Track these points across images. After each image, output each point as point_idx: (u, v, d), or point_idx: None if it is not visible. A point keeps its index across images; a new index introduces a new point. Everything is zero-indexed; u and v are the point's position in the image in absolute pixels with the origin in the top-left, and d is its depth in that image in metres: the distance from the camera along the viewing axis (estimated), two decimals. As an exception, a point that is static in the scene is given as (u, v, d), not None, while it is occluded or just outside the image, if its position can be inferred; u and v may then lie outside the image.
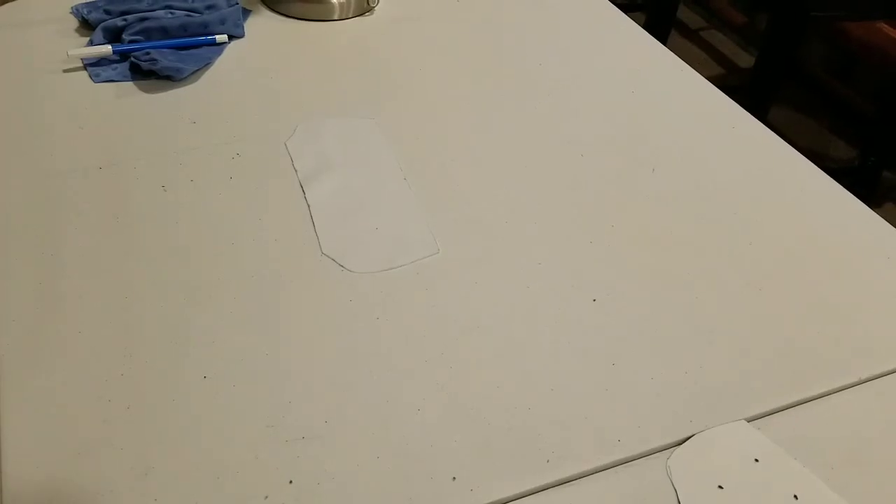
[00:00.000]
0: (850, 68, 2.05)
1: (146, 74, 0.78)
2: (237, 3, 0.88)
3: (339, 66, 0.82)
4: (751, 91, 1.71)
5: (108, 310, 0.55)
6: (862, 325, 0.57)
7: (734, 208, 0.67)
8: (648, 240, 0.63)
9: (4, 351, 0.52)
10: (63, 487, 0.44)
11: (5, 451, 0.46)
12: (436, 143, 0.72)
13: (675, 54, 0.88)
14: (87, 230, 0.61)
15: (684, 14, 2.45)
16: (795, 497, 0.46)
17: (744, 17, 2.30)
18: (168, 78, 0.78)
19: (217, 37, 0.83)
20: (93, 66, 0.79)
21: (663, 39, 0.98)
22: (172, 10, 0.85)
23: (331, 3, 0.90)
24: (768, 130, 0.77)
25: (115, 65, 0.80)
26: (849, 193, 0.70)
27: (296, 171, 0.68)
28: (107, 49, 0.79)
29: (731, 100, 0.81)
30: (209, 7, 0.86)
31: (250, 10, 0.91)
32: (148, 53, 0.78)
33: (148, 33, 0.82)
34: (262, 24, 0.89)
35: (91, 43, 0.81)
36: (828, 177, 0.71)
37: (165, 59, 0.78)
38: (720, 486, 0.47)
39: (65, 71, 0.79)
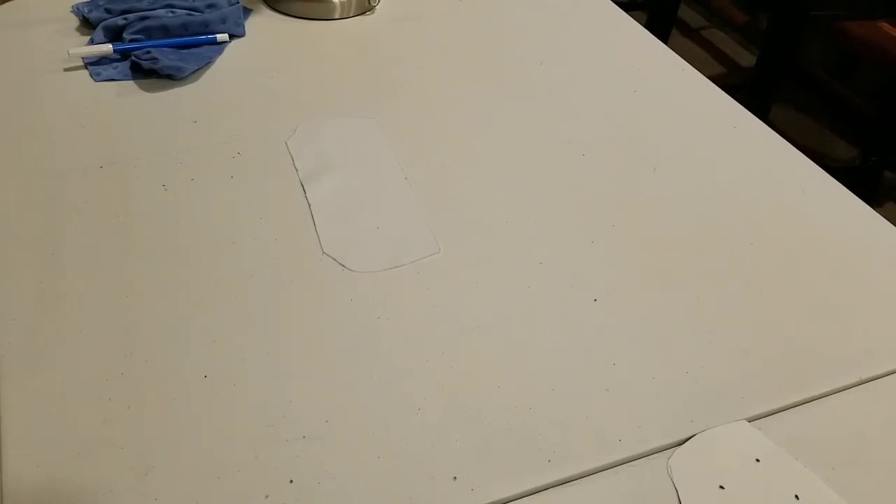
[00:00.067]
0: (851, 67, 2.04)
1: (147, 73, 0.78)
2: (238, 2, 0.87)
3: (340, 66, 0.82)
4: (752, 90, 1.71)
5: (108, 310, 0.55)
6: (863, 325, 0.57)
7: (735, 208, 0.67)
8: (649, 239, 0.63)
9: (4, 351, 0.52)
10: (63, 487, 0.44)
11: (5, 451, 0.46)
12: (436, 143, 0.72)
13: (676, 53, 0.88)
14: (87, 230, 0.61)
15: (685, 13, 2.45)
16: (796, 497, 0.46)
17: (745, 15, 2.30)
18: (169, 77, 0.78)
19: (218, 36, 0.83)
20: (93, 65, 0.79)
21: (664, 38, 0.98)
22: (173, 9, 0.85)
23: (332, 3, 0.90)
24: (769, 130, 0.77)
25: (115, 64, 0.79)
26: (850, 193, 0.70)
27: (296, 170, 0.68)
28: (107, 48, 0.79)
29: (732, 99, 0.81)
30: (210, 6, 0.86)
31: (251, 10, 0.90)
32: (149, 52, 0.78)
33: (149, 32, 0.81)
34: (263, 23, 0.89)
35: (92, 42, 0.81)
36: (829, 176, 0.71)
37: (166, 58, 0.78)
38: (721, 487, 0.47)
39: (65, 70, 0.79)
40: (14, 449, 0.46)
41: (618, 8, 0.96)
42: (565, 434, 0.49)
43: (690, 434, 0.49)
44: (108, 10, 0.84)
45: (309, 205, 0.64)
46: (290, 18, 0.90)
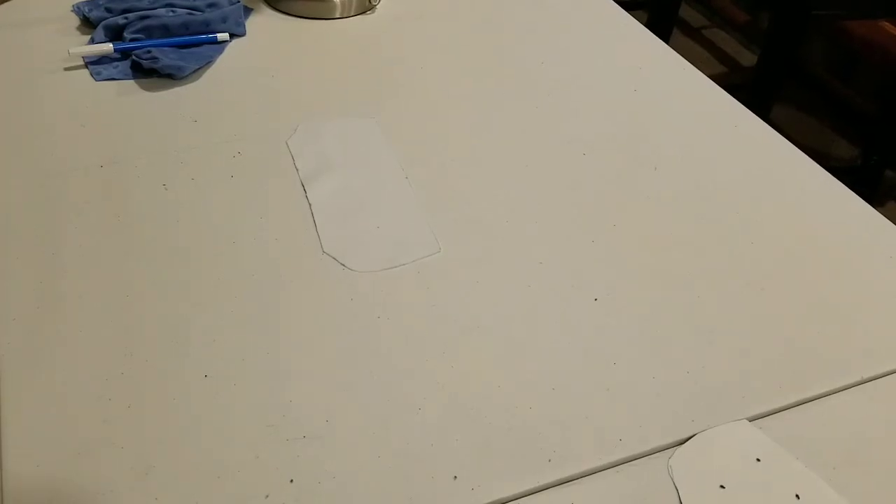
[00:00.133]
0: (853, 67, 2.04)
1: (147, 73, 0.78)
2: (239, 2, 0.87)
3: (341, 65, 0.82)
4: (753, 90, 1.71)
5: (108, 310, 0.55)
6: (863, 324, 0.57)
7: (736, 207, 0.67)
8: (650, 239, 0.63)
9: (4, 351, 0.52)
10: (63, 487, 0.44)
11: (5, 451, 0.46)
12: (437, 142, 0.72)
13: (677, 52, 0.88)
14: (87, 229, 0.61)
15: (686, 12, 2.45)
16: (797, 497, 0.46)
17: (746, 15, 2.29)
18: (169, 76, 0.78)
19: (218, 35, 0.83)
20: (94, 64, 0.79)
21: (665, 38, 0.98)
22: (174, 8, 0.85)
23: (332, 2, 0.90)
24: (770, 129, 0.77)
25: (116, 63, 0.79)
26: (851, 192, 0.69)
27: (297, 169, 0.68)
28: (108, 47, 0.79)
29: (733, 98, 0.81)
30: (211, 5, 0.86)
31: (252, 9, 0.90)
32: (149, 52, 0.78)
33: (149, 31, 0.81)
34: (263, 22, 0.89)
35: (92, 41, 0.81)
36: (830, 176, 0.71)
37: (167, 57, 0.78)
38: (722, 486, 0.47)
39: (66, 69, 0.79)
40: (14, 449, 0.46)
41: (618, 7, 0.96)
42: (565, 434, 0.49)
43: (691, 434, 0.49)
44: (108, 10, 0.84)
45: (309, 204, 0.64)
46: (290, 18, 0.90)
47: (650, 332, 0.56)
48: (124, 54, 0.80)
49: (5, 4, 0.88)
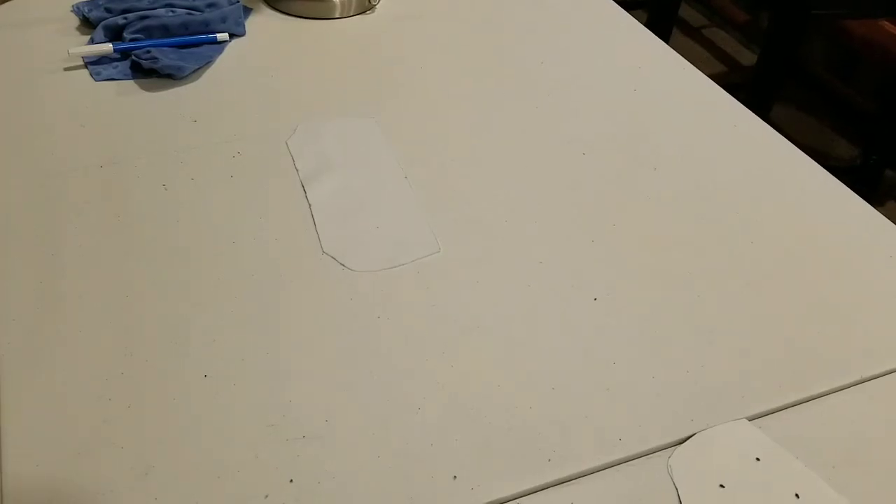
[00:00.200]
0: (853, 66, 2.04)
1: (147, 73, 0.78)
2: (238, 2, 0.88)
3: (341, 65, 0.82)
4: (753, 89, 1.70)
5: (108, 310, 0.55)
6: (863, 324, 0.57)
7: (735, 207, 0.67)
8: (649, 239, 0.63)
9: (4, 351, 0.52)
10: (63, 487, 0.44)
11: (5, 451, 0.46)
12: (437, 142, 0.72)
13: (677, 52, 0.88)
14: (87, 230, 0.61)
15: (686, 12, 2.45)
16: (797, 496, 0.46)
17: (746, 14, 2.29)
18: (169, 76, 0.78)
19: (218, 35, 0.83)
20: (94, 64, 0.79)
21: (665, 37, 0.98)
22: (173, 9, 0.85)
23: (332, 2, 0.90)
24: (770, 129, 0.77)
25: (115, 63, 0.79)
26: (851, 192, 0.69)
27: (297, 169, 0.68)
28: (108, 47, 0.79)
29: (732, 98, 0.81)
30: (210, 5, 0.86)
31: (251, 9, 0.90)
32: (149, 52, 0.78)
33: (149, 31, 0.82)
34: (263, 22, 0.89)
35: (92, 41, 0.81)
36: (830, 175, 0.71)
37: (166, 57, 0.78)
38: (721, 486, 0.47)
39: (65, 69, 0.79)
40: (14, 449, 0.46)
41: (618, 7, 0.96)
42: (565, 433, 0.49)
43: (690, 433, 0.49)
44: (108, 10, 0.84)
45: (309, 204, 0.64)
46: (290, 18, 0.90)
47: (650, 331, 0.56)
48: (124, 54, 0.80)
49: (5, 4, 0.88)
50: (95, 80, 0.77)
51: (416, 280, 0.58)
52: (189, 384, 0.50)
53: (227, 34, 0.83)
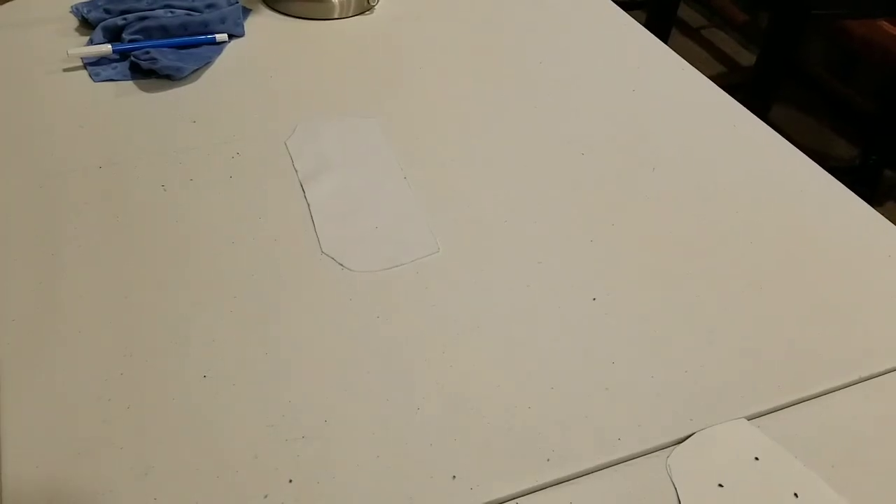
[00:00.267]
0: (852, 66, 2.04)
1: (146, 73, 0.78)
2: (237, 2, 0.88)
3: (340, 66, 0.82)
4: (752, 89, 1.71)
5: (108, 309, 0.55)
6: (863, 324, 0.57)
7: (735, 207, 0.67)
8: (649, 239, 0.63)
9: (4, 351, 0.52)
10: (63, 487, 0.44)
11: (5, 451, 0.46)
12: (436, 142, 0.72)
13: (676, 53, 0.88)
14: (86, 230, 0.61)
15: (685, 12, 2.45)
16: (796, 495, 0.46)
17: (745, 15, 2.30)
18: (168, 77, 0.78)
19: (217, 36, 0.83)
20: (93, 65, 0.79)
21: (664, 38, 0.98)
22: (172, 9, 0.85)
23: (331, 2, 0.90)
24: (769, 129, 0.77)
25: (114, 64, 0.80)
26: (850, 192, 0.70)
27: (295, 170, 0.68)
28: (107, 48, 0.79)
29: (732, 98, 0.81)
30: (209, 6, 0.86)
31: (250, 9, 0.91)
32: (148, 52, 0.78)
33: (148, 32, 0.82)
34: (262, 23, 0.89)
35: (91, 42, 0.81)
36: (829, 175, 0.71)
37: (165, 58, 0.78)
38: (720, 485, 0.47)
39: (65, 70, 0.79)
40: (14, 449, 0.46)
41: (618, 7, 0.96)
42: (564, 433, 0.49)
43: (690, 433, 0.49)
44: (107, 11, 0.84)
45: (308, 205, 0.64)
46: (289, 18, 0.90)
47: (649, 331, 0.56)
48: (123, 55, 0.80)
49: (5, 5, 0.88)
50: (94, 81, 0.77)
51: (416, 280, 0.58)
52: (189, 384, 0.50)
53: (226, 35, 0.84)
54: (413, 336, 0.54)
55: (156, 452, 0.46)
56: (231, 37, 0.85)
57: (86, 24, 0.85)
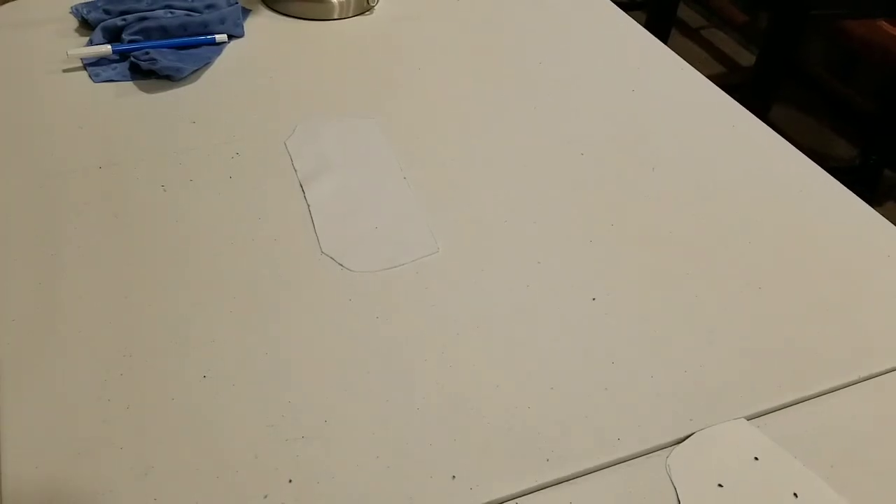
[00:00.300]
0: (852, 66, 2.04)
1: (146, 74, 0.78)
2: (237, 3, 0.88)
3: (339, 66, 0.82)
4: (752, 90, 1.71)
5: (108, 310, 0.55)
6: (862, 323, 0.57)
7: (734, 207, 0.67)
8: (648, 239, 0.63)
9: (4, 351, 0.52)
10: (63, 487, 0.44)
11: (5, 451, 0.46)
12: (436, 143, 0.72)
13: (676, 53, 0.88)
14: (87, 230, 0.61)
15: (685, 13, 2.45)
16: (795, 495, 0.46)
17: (744, 15, 2.30)
18: (168, 78, 0.78)
19: (217, 36, 0.83)
20: (92, 65, 0.79)
21: (664, 38, 0.98)
22: (172, 10, 0.85)
23: (330, 3, 0.90)
24: (769, 129, 0.77)
25: (114, 64, 0.80)
26: (850, 192, 0.70)
27: (295, 170, 0.68)
28: (106, 49, 0.79)
29: (731, 98, 0.81)
30: (209, 6, 0.86)
31: (250, 10, 0.91)
32: (147, 53, 0.79)
33: (147, 33, 0.82)
34: (261, 23, 0.89)
35: (91, 43, 0.81)
36: (829, 175, 0.71)
37: (165, 58, 0.78)
38: (720, 485, 0.47)
39: (64, 71, 0.79)
40: (14, 449, 0.46)
41: (617, 8, 0.96)
42: (564, 433, 0.49)
43: (689, 432, 0.49)
44: (106, 11, 0.84)
45: (308, 205, 0.64)
46: (288, 19, 0.90)
47: (648, 331, 0.56)
48: (123, 56, 0.80)
49: (5, 5, 0.88)
50: (94, 82, 0.78)
51: (415, 280, 0.59)
52: (188, 384, 0.50)
53: (225, 35, 0.84)
54: (413, 336, 0.54)
55: (156, 452, 0.47)
56: (231, 37, 0.85)
57: (85, 25, 0.85)
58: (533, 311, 0.57)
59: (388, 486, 0.46)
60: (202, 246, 0.60)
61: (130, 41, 0.81)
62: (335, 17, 0.91)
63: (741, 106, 0.80)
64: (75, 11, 0.86)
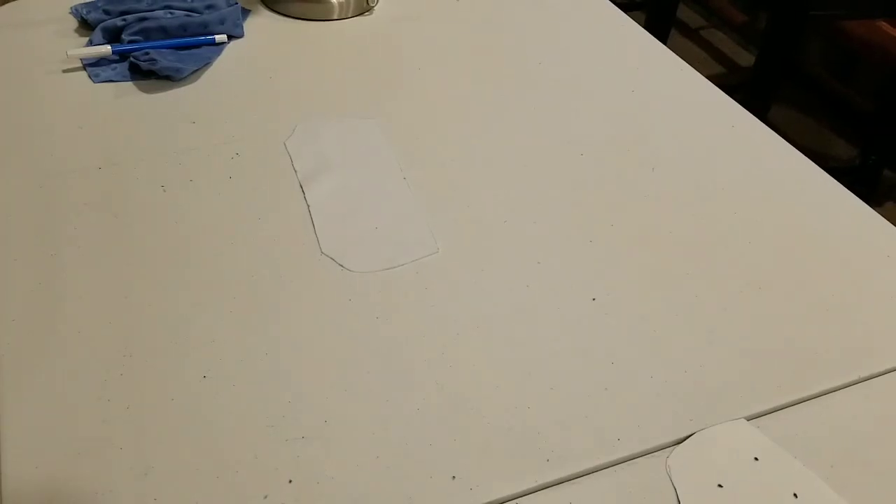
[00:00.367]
0: (851, 67, 2.04)
1: (145, 74, 0.78)
2: (236, 3, 0.88)
3: (339, 66, 0.82)
4: (751, 90, 1.71)
5: (108, 310, 0.55)
6: (862, 323, 0.57)
7: (734, 207, 0.67)
8: (648, 239, 0.63)
9: (4, 351, 0.52)
10: (63, 487, 0.44)
11: (5, 452, 0.46)
12: (435, 143, 0.72)
13: (675, 53, 0.88)
14: (87, 230, 0.61)
15: (684, 13, 2.45)
16: (795, 495, 0.46)
17: (744, 15, 2.30)
18: (167, 78, 0.78)
19: (216, 37, 0.83)
20: (92, 66, 0.79)
21: (663, 38, 0.98)
22: (172, 10, 0.85)
23: (330, 3, 0.90)
24: (768, 129, 0.77)
25: (114, 65, 0.80)
26: (849, 192, 0.70)
27: (295, 170, 0.68)
28: (106, 49, 0.79)
29: (731, 99, 0.81)
30: (208, 7, 0.86)
31: (250, 10, 0.91)
32: (147, 53, 0.79)
33: (147, 33, 0.82)
34: (261, 23, 0.89)
35: (90, 43, 0.81)
36: (828, 176, 0.71)
37: (165, 59, 0.78)
38: (720, 485, 0.47)
39: (64, 71, 0.79)
40: (14, 449, 0.46)
41: (617, 8, 0.96)
42: (564, 433, 0.49)
43: (689, 433, 0.49)
44: (106, 12, 0.84)
45: (307, 205, 0.64)
46: (288, 19, 0.90)
47: (648, 331, 0.56)
48: (122, 56, 0.80)
49: (5, 5, 0.88)
50: (94, 82, 0.78)
51: (415, 280, 0.59)
52: (188, 384, 0.50)
53: (225, 36, 0.84)
54: (413, 336, 0.54)
55: (156, 452, 0.47)
56: (230, 38, 0.85)
57: (85, 25, 0.85)
58: (533, 311, 0.57)
59: (388, 487, 0.46)
60: (202, 246, 0.60)
61: (130, 41, 0.81)
62: (335, 17, 0.91)
63: (741, 106, 0.80)
64: (75, 12, 0.86)
